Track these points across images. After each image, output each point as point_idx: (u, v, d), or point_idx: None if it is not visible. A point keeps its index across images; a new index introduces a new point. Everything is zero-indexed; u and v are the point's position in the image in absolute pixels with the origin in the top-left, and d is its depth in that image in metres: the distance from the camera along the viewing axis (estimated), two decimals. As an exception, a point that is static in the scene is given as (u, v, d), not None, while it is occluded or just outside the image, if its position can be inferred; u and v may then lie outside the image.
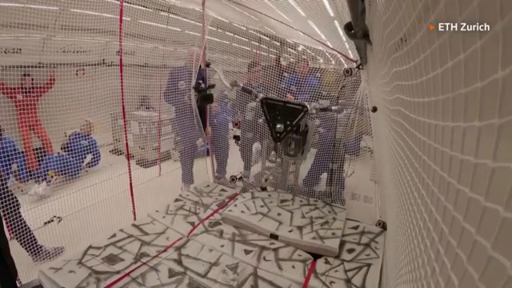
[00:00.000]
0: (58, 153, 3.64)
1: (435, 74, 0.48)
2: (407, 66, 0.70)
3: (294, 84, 3.39)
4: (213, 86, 3.44)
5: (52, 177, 3.41)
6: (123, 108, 2.79)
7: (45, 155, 3.53)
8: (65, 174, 3.39)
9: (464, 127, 0.38)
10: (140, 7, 3.38)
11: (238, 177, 3.72)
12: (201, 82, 3.38)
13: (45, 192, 3.25)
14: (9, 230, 2.30)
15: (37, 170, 3.40)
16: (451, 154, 0.43)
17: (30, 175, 3.14)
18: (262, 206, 2.84)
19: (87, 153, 3.81)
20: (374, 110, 2.28)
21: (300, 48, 3.68)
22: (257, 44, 4.50)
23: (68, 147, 3.60)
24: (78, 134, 3.86)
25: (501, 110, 0.29)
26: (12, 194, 2.26)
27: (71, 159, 3.45)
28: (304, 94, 3.31)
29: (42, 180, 3.35)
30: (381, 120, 2.00)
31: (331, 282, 1.95)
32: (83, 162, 3.80)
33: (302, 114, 2.61)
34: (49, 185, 3.31)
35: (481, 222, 0.33)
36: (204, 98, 3.36)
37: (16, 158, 2.59)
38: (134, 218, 2.88)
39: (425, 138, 0.58)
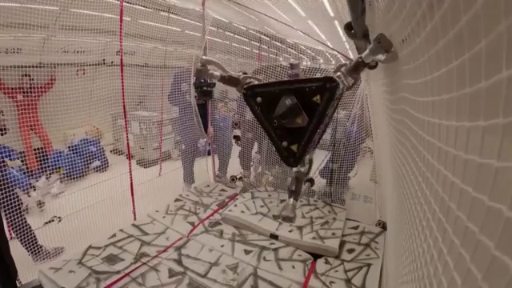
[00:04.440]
0: (56, 150, 3.63)
1: (440, 73, 0.48)
2: (410, 65, 0.70)
3: None
4: (213, 85, 3.46)
5: (55, 173, 3.40)
6: (124, 108, 2.78)
7: (44, 155, 3.53)
8: (70, 175, 3.39)
9: (468, 127, 0.38)
10: (140, 7, 3.38)
11: (238, 177, 3.72)
12: (202, 80, 3.43)
13: (43, 185, 3.23)
14: (9, 228, 2.29)
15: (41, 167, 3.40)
16: (455, 154, 0.43)
17: (31, 175, 3.13)
18: (261, 206, 2.84)
19: (94, 158, 3.85)
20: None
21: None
22: (257, 44, 4.50)
23: (75, 150, 3.63)
24: (87, 139, 3.90)
25: (505, 109, 0.29)
26: (15, 193, 2.26)
27: (76, 159, 3.46)
28: None
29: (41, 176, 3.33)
30: (381, 120, 2.00)
31: (331, 282, 1.95)
32: (89, 166, 3.83)
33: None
34: (48, 179, 3.29)
35: (484, 222, 0.33)
36: (203, 92, 3.41)
37: None
38: (134, 218, 2.88)
39: (429, 137, 0.58)
